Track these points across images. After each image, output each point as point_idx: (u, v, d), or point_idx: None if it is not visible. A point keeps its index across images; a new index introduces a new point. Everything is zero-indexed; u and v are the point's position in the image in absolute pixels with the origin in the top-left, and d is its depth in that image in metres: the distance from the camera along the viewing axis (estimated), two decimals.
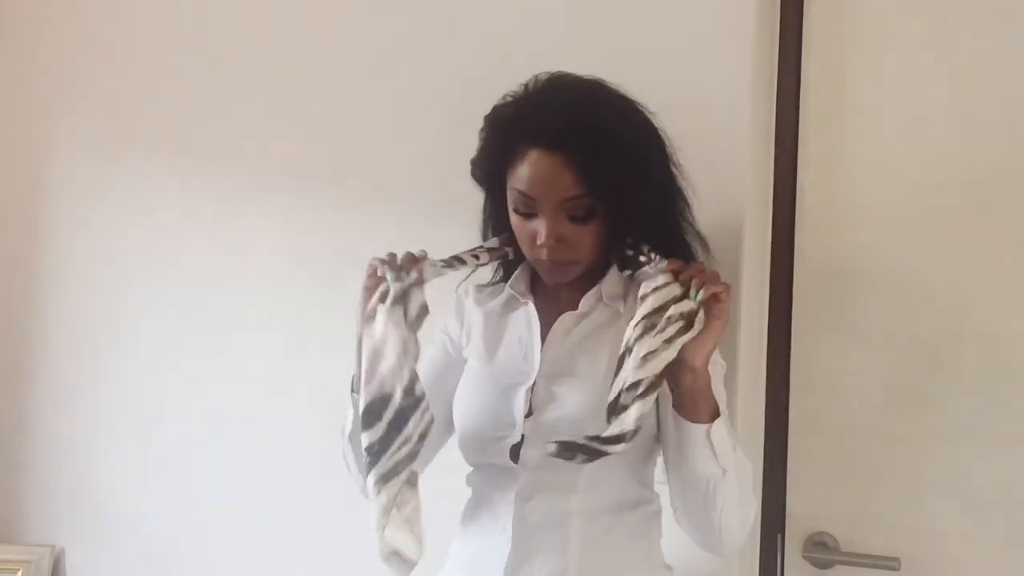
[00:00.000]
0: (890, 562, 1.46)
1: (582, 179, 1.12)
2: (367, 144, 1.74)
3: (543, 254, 1.16)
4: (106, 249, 1.99)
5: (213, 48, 1.92)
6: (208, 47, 1.92)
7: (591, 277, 1.22)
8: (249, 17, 1.89)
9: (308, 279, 1.78)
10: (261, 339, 1.82)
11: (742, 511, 1.14)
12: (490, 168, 1.23)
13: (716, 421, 1.09)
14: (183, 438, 1.87)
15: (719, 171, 1.36)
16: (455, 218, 1.62)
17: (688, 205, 1.24)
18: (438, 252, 1.64)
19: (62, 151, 2.06)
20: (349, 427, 1.24)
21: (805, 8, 1.58)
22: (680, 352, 1.05)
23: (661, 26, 1.51)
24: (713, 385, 1.12)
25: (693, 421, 1.09)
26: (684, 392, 1.09)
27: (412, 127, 1.70)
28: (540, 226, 1.15)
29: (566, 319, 1.22)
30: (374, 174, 1.74)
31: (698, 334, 1.06)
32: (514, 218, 1.20)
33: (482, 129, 1.24)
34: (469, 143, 1.66)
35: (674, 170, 1.22)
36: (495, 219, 1.30)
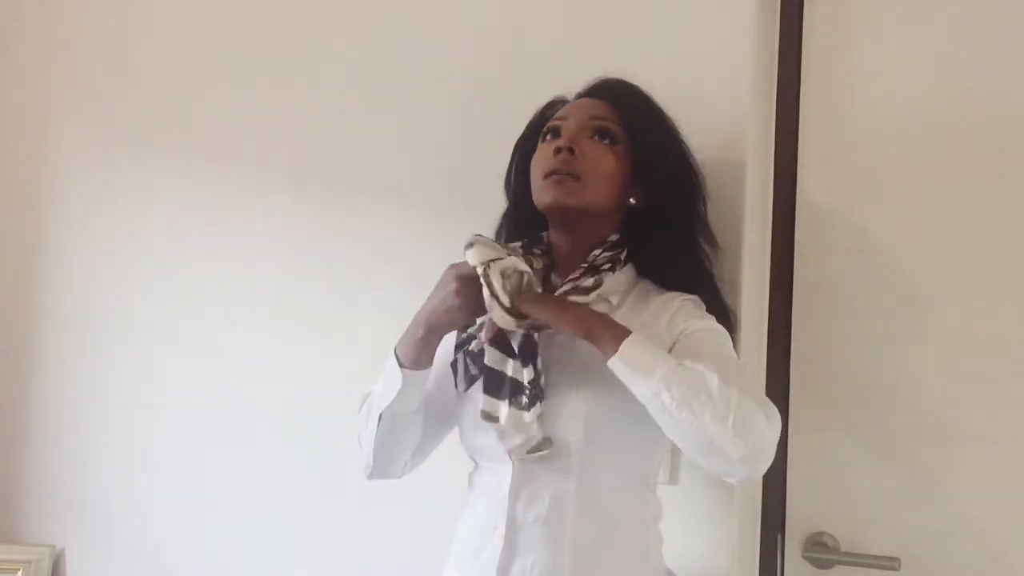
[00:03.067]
0: (890, 562, 1.46)
1: (614, 110, 1.24)
2: (367, 146, 1.74)
3: (553, 163, 1.20)
4: (106, 250, 1.99)
5: (213, 49, 1.92)
6: (208, 48, 1.92)
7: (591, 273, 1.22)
8: (249, 19, 1.89)
9: (308, 280, 1.77)
10: (261, 339, 1.82)
11: (721, 418, 1.00)
12: (532, 137, 1.30)
13: (621, 347, 1.04)
14: (183, 438, 1.87)
15: (719, 171, 1.36)
16: (455, 220, 1.62)
17: (704, 203, 1.29)
18: (438, 253, 1.65)
19: (62, 153, 2.06)
20: (387, 402, 1.21)
21: (805, 8, 1.58)
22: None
23: (661, 26, 1.51)
24: (704, 340, 1.14)
25: (604, 358, 1.06)
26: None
27: (412, 129, 1.70)
28: (560, 139, 1.22)
29: None
30: (373, 176, 1.74)
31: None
32: (539, 148, 1.26)
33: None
34: (469, 145, 1.66)
35: (699, 175, 1.28)
36: (512, 222, 1.33)
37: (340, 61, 1.78)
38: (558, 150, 1.20)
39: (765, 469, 1.07)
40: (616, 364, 1.05)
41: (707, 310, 1.22)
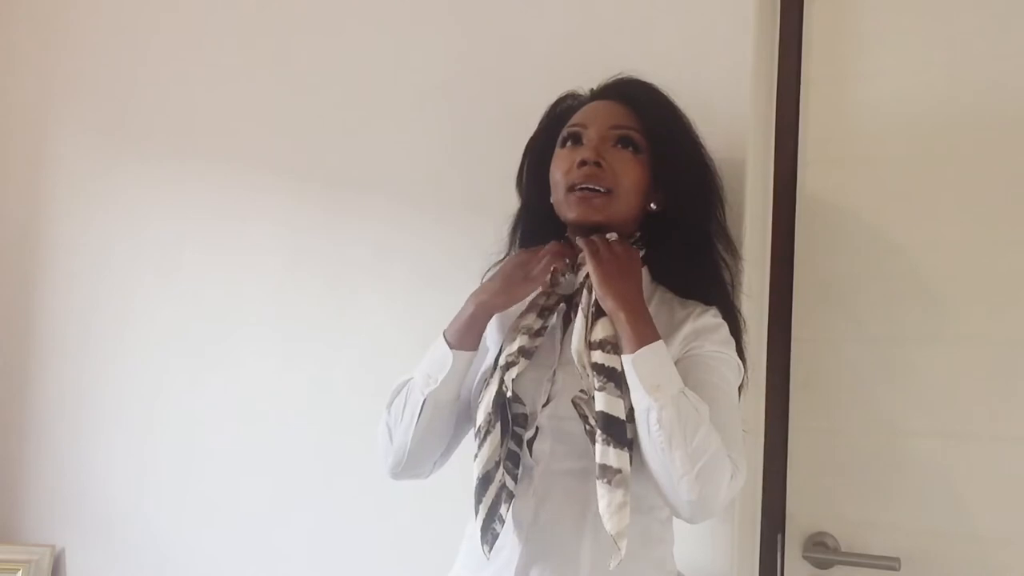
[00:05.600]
0: (890, 562, 1.46)
1: (636, 117, 1.20)
2: (367, 146, 1.74)
3: (578, 176, 1.17)
4: (106, 250, 1.99)
5: (214, 50, 1.92)
6: (209, 49, 1.93)
7: None
8: (250, 19, 1.89)
9: (307, 280, 1.78)
10: (260, 340, 1.82)
11: (694, 463, 1.03)
12: (545, 135, 1.27)
13: (641, 350, 1.06)
14: (183, 438, 1.87)
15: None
16: (455, 220, 1.63)
17: (723, 208, 1.27)
18: (437, 252, 1.65)
19: (62, 154, 2.06)
20: (434, 385, 1.18)
21: (805, 8, 1.58)
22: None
23: (661, 25, 1.51)
24: (711, 368, 1.15)
25: (621, 354, 1.08)
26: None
27: (412, 129, 1.70)
28: (583, 149, 1.19)
29: None
30: (373, 175, 1.74)
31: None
32: (558, 154, 1.23)
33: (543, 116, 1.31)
34: (469, 145, 1.66)
35: (718, 178, 1.27)
36: (526, 221, 1.31)
37: (340, 61, 1.78)
38: (583, 163, 1.17)
39: (705, 520, 1.10)
40: (627, 362, 1.07)
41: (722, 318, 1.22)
